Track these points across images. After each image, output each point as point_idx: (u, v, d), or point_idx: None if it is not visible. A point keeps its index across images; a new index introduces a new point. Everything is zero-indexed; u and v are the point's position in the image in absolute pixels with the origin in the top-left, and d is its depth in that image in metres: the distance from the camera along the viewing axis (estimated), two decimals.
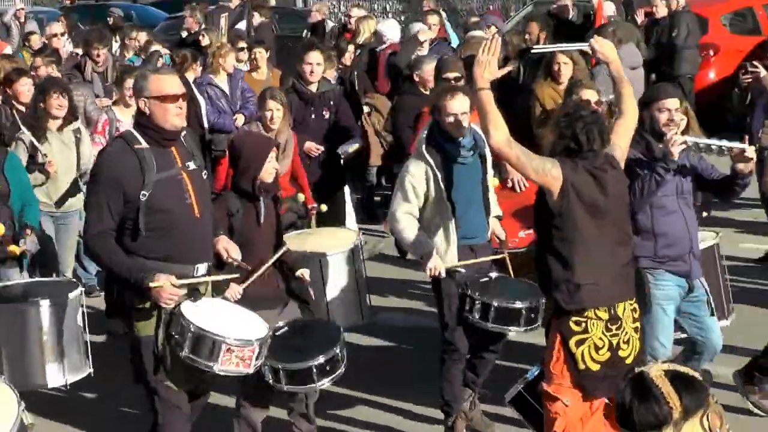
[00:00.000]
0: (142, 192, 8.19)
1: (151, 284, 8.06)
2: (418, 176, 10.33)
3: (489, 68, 8.62)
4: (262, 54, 20.52)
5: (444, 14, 24.84)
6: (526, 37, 21.42)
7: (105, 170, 8.51)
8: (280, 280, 10.19)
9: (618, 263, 8.54)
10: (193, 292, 8.53)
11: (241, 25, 24.76)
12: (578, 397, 8.29)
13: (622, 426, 6.03)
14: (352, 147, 16.10)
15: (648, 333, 9.44)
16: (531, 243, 11.32)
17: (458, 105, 10.30)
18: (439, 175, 10.28)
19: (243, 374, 8.70)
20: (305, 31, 26.42)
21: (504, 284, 10.64)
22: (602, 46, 9.61)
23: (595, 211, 8.43)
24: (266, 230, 9.99)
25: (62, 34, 22.11)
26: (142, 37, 22.94)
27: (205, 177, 9.06)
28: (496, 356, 11.01)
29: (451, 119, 10.08)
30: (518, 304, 10.20)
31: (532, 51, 14.22)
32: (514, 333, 10.64)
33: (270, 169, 9.84)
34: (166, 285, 8.16)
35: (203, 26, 24.18)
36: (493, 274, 10.69)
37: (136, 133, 8.51)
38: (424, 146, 10.36)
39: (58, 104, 12.73)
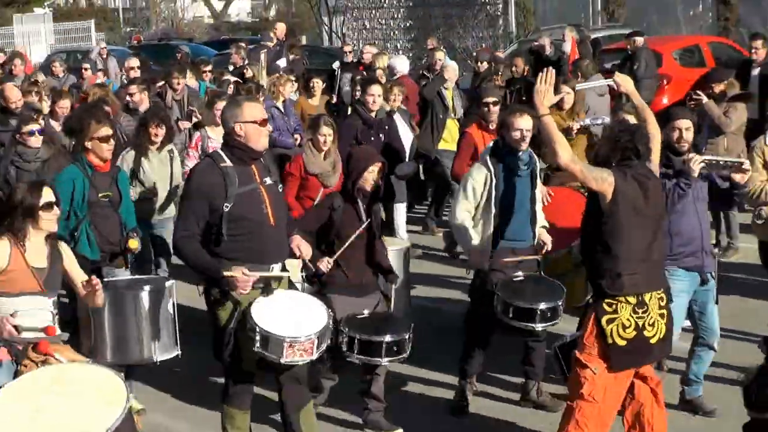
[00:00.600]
0: (225, 204, 8.66)
1: (226, 273, 8.56)
2: (479, 180, 10.74)
3: (547, 96, 9.21)
4: (318, 84, 20.96)
5: (444, 51, 24.20)
6: (513, 69, 22.59)
7: (194, 184, 9.00)
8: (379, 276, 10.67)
9: (652, 258, 8.87)
10: (266, 288, 8.94)
11: (281, 62, 25.36)
12: (604, 368, 8.55)
13: (746, 406, 6.90)
14: (410, 168, 17.00)
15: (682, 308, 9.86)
16: (559, 249, 11.69)
17: (525, 123, 10.64)
18: (495, 182, 10.69)
19: (308, 361, 8.97)
20: (337, 66, 26.35)
21: (532, 285, 10.85)
22: (624, 81, 10.47)
23: (637, 212, 8.76)
24: (369, 233, 10.36)
25: (138, 68, 22.28)
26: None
27: (280, 190, 9.51)
28: (543, 344, 11.04)
29: (517, 135, 10.45)
30: (537, 305, 10.42)
31: (576, 88, 14.13)
32: (536, 329, 10.63)
33: (369, 179, 10.20)
34: (238, 274, 8.58)
35: (246, 62, 24.71)
36: (525, 274, 10.88)
37: (222, 154, 8.96)
38: (488, 156, 10.78)
39: (155, 133, 13.42)
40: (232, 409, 9.16)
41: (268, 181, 9.02)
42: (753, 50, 21.10)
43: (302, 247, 9.30)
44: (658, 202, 9.05)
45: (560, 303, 10.49)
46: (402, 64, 23.50)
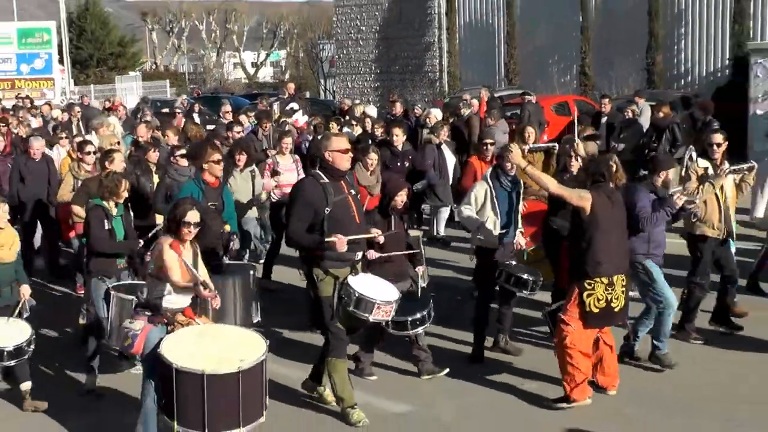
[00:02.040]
0: (327, 208, 8.61)
1: (327, 239, 8.47)
2: (480, 192, 10.58)
3: (518, 154, 9.84)
4: (333, 126, 19.14)
5: (401, 102, 23.86)
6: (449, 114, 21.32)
7: (301, 195, 8.86)
8: (410, 267, 10.40)
9: (619, 251, 9.05)
10: (354, 269, 8.89)
11: (294, 105, 24.34)
12: (580, 325, 8.87)
13: None
14: (422, 184, 16.24)
15: (658, 289, 9.79)
16: (535, 242, 11.94)
17: (515, 156, 10.16)
18: (495, 193, 10.55)
19: (386, 321, 8.96)
20: (335, 113, 26.04)
21: (519, 266, 10.87)
22: (515, 154, 10.07)
23: (608, 219, 8.93)
24: (398, 236, 10.10)
25: (227, 113, 21.08)
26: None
27: (359, 198, 9.42)
28: (511, 311, 11.00)
29: (508, 165, 10.28)
30: (529, 278, 10.48)
31: (530, 149, 13.32)
32: (524, 294, 10.76)
33: (398, 201, 10.01)
34: (335, 239, 8.48)
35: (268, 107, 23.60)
36: (513, 261, 10.90)
37: (320, 173, 8.87)
38: (488, 174, 10.68)
39: (238, 159, 13.17)
40: (335, 359, 8.91)
41: (353, 192, 9.08)
42: (602, 105, 21.39)
43: (373, 232, 9.24)
44: (621, 212, 9.24)
45: (541, 280, 10.66)
46: (372, 111, 23.73)
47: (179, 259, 7.70)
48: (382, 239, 9.32)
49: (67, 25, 56.63)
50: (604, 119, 20.74)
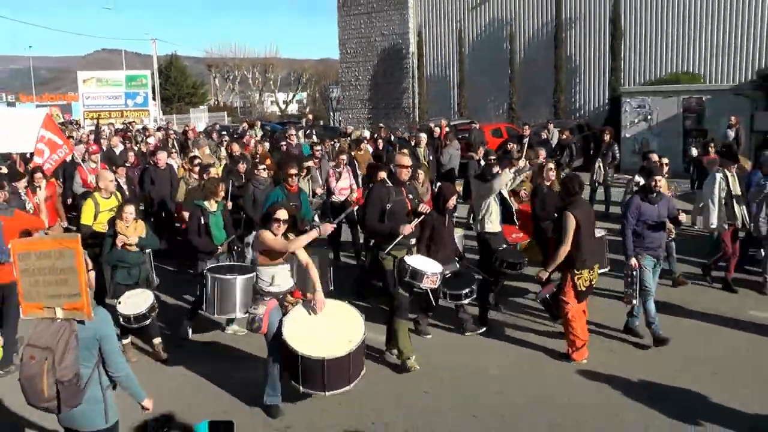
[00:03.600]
0: (388, 204, 8.49)
1: (399, 228, 8.35)
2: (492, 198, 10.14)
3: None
4: (365, 144, 18.94)
5: (384, 128, 24.27)
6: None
7: (374, 195, 8.66)
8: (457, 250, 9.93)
9: (593, 249, 8.76)
10: (409, 250, 8.67)
11: (311, 132, 24.13)
12: (575, 301, 8.56)
13: None
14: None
15: (647, 278, 9.11)
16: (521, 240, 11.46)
17: (505, 177, 10.25)
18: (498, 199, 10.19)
19: (432, 288, 8.56)
20: (345, 138, 24.34)
21: (510, 251, 10.44)
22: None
23: (587, 225, 8.58)
24: (449, 229, 9.54)
25: (291, 135, 18.96)
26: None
27: (412, 199, 8.87)
28: (501, 283, 10.66)
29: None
30: (515, 260, 10.06)
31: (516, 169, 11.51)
32: (511, 273, 10.31)
33: (451, 203, 9.46)
34: (405, 228, 8.31)
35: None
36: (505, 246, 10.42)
37: (388, 180, 8.79)
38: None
39: (293, 172, 11.02)
40: (399, 320, 8.60)
41: (410, 196, 8.85)
42: (524, 130, 21.36)
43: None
44: (592, 214, 8.98)
45: (525, 261, 10.27)
46: (366, 133, 23.32)
47: (274, 237, 7.33)
48: (427, 208, 8.84)
49: (158, 73, 56.65)
50: (525, 140, 20.85)
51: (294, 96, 79.81)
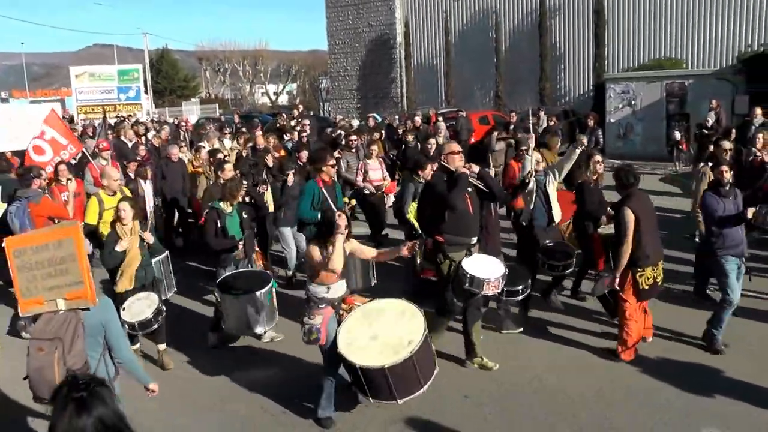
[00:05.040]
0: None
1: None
2: (531, 187, 9.42)
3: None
4: (377, 140, 17.03)
5: (375, 117, 24.18)
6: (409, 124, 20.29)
7: (428, 188, 8.05)
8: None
9: (657, 244, 8.00)
10: (469, 251, 7.83)
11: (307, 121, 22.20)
12: (634, 299, 7.92)
13: None
14: None
15: (731, 282, 8.08)
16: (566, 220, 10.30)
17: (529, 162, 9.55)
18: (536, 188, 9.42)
19: (496, 293, 7.77)
20: (332, 124, 24.50)
21: (556, 249, 9.43)
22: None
23: (648, 219, 7.87)
24: (496, 219, 9.10)
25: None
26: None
27: (474, 195, 7.97)
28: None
29: (539, 166, 9.60)
30: (557, 263, 9.30)
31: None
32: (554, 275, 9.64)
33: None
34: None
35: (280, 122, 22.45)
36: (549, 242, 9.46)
37: (440, 171, 7.99)
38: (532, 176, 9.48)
39: (332, 164, 10.33)
40: (443, 318, 8.25)
41: (469, 189, 7.89)
42: (510, 117, 21.49)
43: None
44: (651, 205, 8.14)
45: (572, 263, 9.45)
46: (355, 122, 24.09)
47: (320, 257, 6.67)
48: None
49: (150, 67, 56.39)
50: (511, 127, 20.92)
51: (284, 87, 79.58)
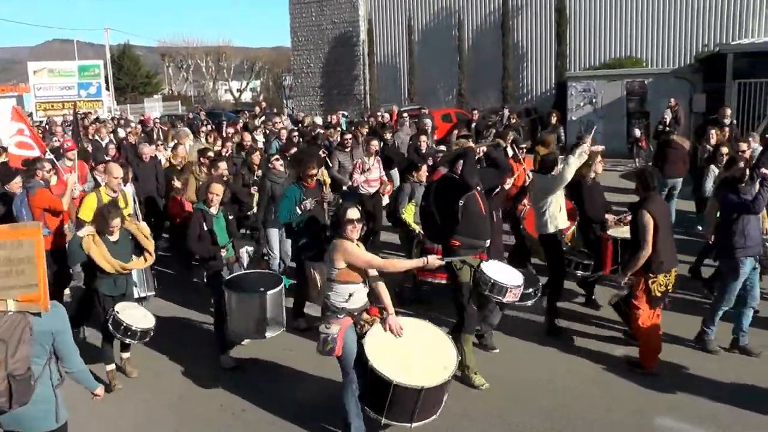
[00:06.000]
0: (460, 201, 7.19)
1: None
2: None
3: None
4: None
5: (340, 115, 24.12)
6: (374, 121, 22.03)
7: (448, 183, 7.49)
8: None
9: (673, 251, 7.72)
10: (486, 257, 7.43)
11: (262, 118, 23.12)
12: (647, 306, 7.62)
13: None
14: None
15: (737, 285, 7.97)
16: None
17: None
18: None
19: (514, 302, 7.42)
20: (297, 122, 23.67)
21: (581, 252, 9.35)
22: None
23: (664, 224, 7.59)
24: (498, 224, 8.97)
25: (237, 132, 17.64)
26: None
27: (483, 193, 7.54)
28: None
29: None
30: (589, 261, 9.16)
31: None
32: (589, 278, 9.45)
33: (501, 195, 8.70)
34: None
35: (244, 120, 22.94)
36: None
37: (455, 174, 7.38)
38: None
39: (313, 173, 9.42)
40: (466, 334, 7.51)
41: (479, 188, 7.45)
42: (472, 115, 21.54)
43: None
44: (669, 216, 7.96)
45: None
46: (318, 120, 23.57)
47: (357, 247, 6.29)
48: None
49: (111, 63, 55.69)
50: (473, 125, 21.02)
51: (248, 84, 79.07)
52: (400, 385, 5.76)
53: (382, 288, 6.51)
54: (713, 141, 12.69)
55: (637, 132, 22.49)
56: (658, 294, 7.62)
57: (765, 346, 8.19)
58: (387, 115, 20.92)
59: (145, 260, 8.07)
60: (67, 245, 7.84)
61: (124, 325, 7.46)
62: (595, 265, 9.42)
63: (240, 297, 7.61)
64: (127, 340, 7.67)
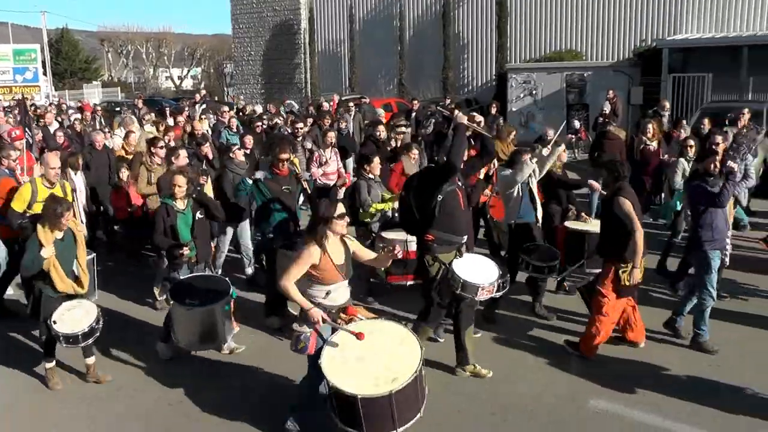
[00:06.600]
0: (439, 196, 6.81)
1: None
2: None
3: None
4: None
5: (280, 103, 23.43)
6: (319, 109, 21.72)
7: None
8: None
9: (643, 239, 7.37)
10: (459, 251, 7.07)
11: (204, 105, 22.68)
12: (614, 296, 7.40)
13: None
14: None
15: (714, 278, 7.82)
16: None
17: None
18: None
19: (490, 297, 7.24)
20: (237, 111, 22.79)
21: (543, 250, 8.81)
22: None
23: (638, 210, 7.37)
24: (473, 216, 8.52)
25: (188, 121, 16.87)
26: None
27: (464, 188, 7.23)
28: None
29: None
30: (544, 263, 8.58)
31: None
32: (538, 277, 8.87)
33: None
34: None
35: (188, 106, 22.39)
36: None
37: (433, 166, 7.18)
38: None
39: (284, 156, 8.67)
40: (427, 326, 7.22)
41: (460, 185, 7.08)
42: (413, 105, 21.40)
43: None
44: (640, 206, 7.62)
45: (557, 265, 8.78)
46: (259, 109, 22.76)
47: (329, 260, 5.89)
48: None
49: (48, 47, 54.19)
50: (413, 114, 20.89)
51: (188, 71, 77.85)
52: (367, 397, 5.38)
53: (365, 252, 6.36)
54: (649, 134, 12.88)
55: (577, 123, 22.64)
56: (627, 283, 7.40)
57: (725, 339, 8.04)
58: (327, 104, 20.63)
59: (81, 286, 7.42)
60: (24, 258, 7.09)
61: (62, 335, 6.99)
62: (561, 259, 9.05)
63: (182, 309, 7.26)
64: (75, 346, 7.17)
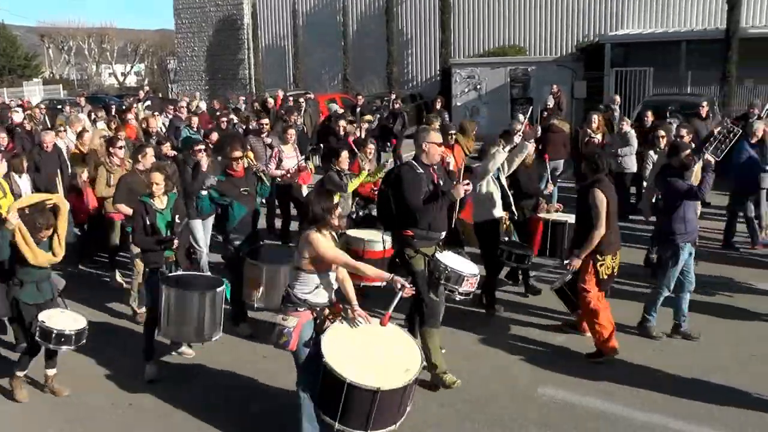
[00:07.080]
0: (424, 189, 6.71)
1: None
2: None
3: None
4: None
5: (224, 98, 23.76)
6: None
7: (407, 178, 6.82)
8: None
9: (618, 233, 7.62)
10: (438, 246, 6.95)
11: (150, 102, 22.65)
12: (596, 289, 7.44)
13: None
14: None
15: (674, 274, 7.94)
16: None
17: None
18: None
19: (472, 291, 7.03)
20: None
21: (517, 242, 9.21)
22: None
23: (614, 204, 7.46)
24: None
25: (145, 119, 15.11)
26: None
27: (443, 184, 6.97)
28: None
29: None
30: (524, 252, 8.87)
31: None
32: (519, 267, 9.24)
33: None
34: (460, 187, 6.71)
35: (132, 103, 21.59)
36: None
37: (415, 163, 6.87)
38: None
39: (237, 155, 8.36)
40: (430, 329, 6.96)
41: (440, 181, 6.95)
42: (357, 100, 21.22)
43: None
44: (616, 198, 7.66)
45: (532, 255, 9.04)
46: (203, 105, 22.01)
47: (328, 242, 5.71)
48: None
49: None
50: (358, 109, 20.71)
51: (132, 68, 76.52)
52: (354, 384, 5.17)
53: (347, 281, 5.99)
54: (594, 125, 13.31)
55: (521, 117, 22.47)
56: (605, 276, 7.51)
57: (702, 332, 8.21)
58: (272, 100, 20.32)
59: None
60: None
61: (56, 331, 6.66)
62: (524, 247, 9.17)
63: (183, 294, 6.99)
64: (64, 348, 6.81)
